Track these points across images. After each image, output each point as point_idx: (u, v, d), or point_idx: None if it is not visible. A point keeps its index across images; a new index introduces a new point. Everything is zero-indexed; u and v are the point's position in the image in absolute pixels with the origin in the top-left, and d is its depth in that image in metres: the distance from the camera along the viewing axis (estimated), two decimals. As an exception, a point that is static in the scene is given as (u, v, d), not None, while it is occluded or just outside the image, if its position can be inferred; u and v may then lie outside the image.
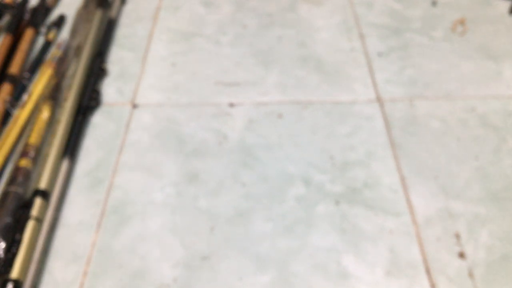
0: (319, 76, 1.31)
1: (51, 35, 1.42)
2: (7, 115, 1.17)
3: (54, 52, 1.34)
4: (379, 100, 1.24)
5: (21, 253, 0.90)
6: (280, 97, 1.25)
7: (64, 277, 0.91)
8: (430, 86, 1.27)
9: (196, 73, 1.33)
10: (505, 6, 1.52)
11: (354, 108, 1.22)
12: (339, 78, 1.30)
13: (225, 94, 1.27)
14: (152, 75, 1.33)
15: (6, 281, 0.86)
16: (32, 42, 1.39)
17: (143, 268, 0.92)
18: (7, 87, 1.21)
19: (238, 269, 0.92)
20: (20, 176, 1.01)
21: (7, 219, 0.94)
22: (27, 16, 1.46)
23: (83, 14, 1.46)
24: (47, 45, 1.39)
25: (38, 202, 0.97)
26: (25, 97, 1.20)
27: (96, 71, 1.29)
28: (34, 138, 1.10)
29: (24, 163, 1.04)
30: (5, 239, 0.91)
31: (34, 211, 0.96)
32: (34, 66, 1.31)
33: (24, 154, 1.06)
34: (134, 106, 1.24)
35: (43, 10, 1.49)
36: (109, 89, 1.29)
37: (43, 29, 1.44)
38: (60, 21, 1.47)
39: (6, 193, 0.98)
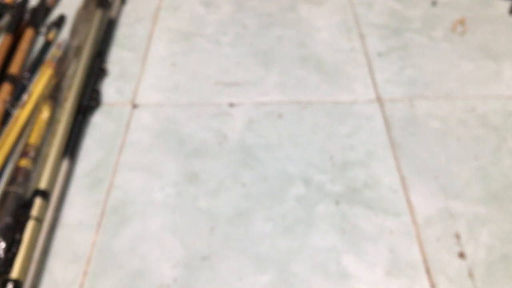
0: (319, 76, 1.31)
1: (51, 35, 1.42)
2: (7, 115, 1.17)
3: (54, 52, 1.34)
4: (379, 100, 1.24)
5: (21, 253, 0.90)
6: (280, 97, 1.25)
7: (64, 277, 0.91)
8: (430, 86, 1.27)
9: (196, 73, 1.33)
10: (505, 6, 1.52)
11: (354, 108, 1.22)
12: (339, 78, 1.30)
13: (225, 94, 1.27)
14: (152, 75, 1.33)
15: (6, 281, 0.86)
16: (32, 42, 1.39)
17: (143, 268, 0.92)
18: (7, 87, 1.21)
19: (238, 269, 0.92)
20: (20, 176, 1.01)
21: (7, 219, 0.94)
22: (27, 16, 1.46)
23: (83, 14, 1.46)
24: (47, 45, 1.39)
25: (38, 202, 0.97)
26: (25, 97, 1.20)
27: (96, 71, 1.29)
28: (34, 138, 1.10)
29: (24, 163, 1.04)
30: (5, 239, 0.91)
31: (34, 211, 0.96)
32: (34, 66, 1.31)
33: (24, 154, 1.06)
34: (134, 106, 1.24)
35: (43, 10, 1.49)
36: (109, 89, 1.29)
37: (43, 29, 1.44)
38: (60, 21, 1.47)
39: (6, 193, 0.99)
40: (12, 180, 1.01)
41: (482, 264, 0.92)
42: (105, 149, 1.14)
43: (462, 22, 1.46)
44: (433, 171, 1.08)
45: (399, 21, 1.48)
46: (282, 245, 0.95)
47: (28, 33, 1.38)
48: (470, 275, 0.91)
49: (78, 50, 1.32)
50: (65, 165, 1.07)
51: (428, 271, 0.91)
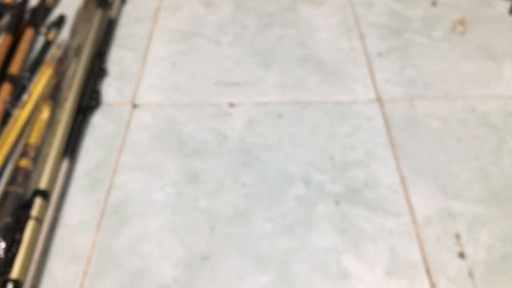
0: (319, 76, 1.31)
1: (51, 35, 1.42)
2: (7, 115, 1.17)
3: (54, 52, 1.34)
4: (379, 100, 1.24)
5: (21, 253, 0.90)
6: (280, 97, 1.25)
7: (64, 277, 0.91)
8: (430, 86, 1.27)
9: (196, 73, 1.33)
10: (505, 6, 1.52)
11: (354, 108, 1.22)
12: (339, 78, 1.30)
13: (225, 94, 1.27)
14: (152, 75, 1.33)
15: (6, 281, 0.86)
16: (32, 42, 1.39)
17: (143, 268, 0.92)
18: (7, 87, 1.21)
19: (238, 269, 0.92)
20: (20, 176, 1.01)
21: (7, 219, 0.94)
22: (27, 16, 1.46)
23: (83, 14, 1.46)
24: (47, 45, 1.39)
25: (38, 202, 0.97)
26: (25, 97, 1.20)
27: (96, 71, 1.29)
28: (34, 138, 1.10)
29: (24, 163, 1.04)
30: (5, 239, 0.91)
31: (34, 211, 0.96)
32: (34, 66, 1.31)
33: (24, 154, 1.06)
34: (134, 106, 1.24)
35: (43, 10, 1.50)
36: (109, 89, 1.29)
37: (43, 29, 1.44)
38: (60, 21, 1.47)
39: (6, 193, 0.99)
40: (12, 180, 1.01)
41: (482, 264, 0.92)
42: (105, 149, 1.14)
43: (462, 22, 1.46)
44: (433, 171, 1.08)
45: (399, 21, 1.48)
46: (282, 245, 0.95)
47: (28, 33, 1.38)
48: (470, 275, 0.91)
49: (78, 50, 1.32)
50: (65, 165, 1.07)
51: (428, 271, 0.91)
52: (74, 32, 1.41)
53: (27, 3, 1.51)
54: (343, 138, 1.15)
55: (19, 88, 1.24)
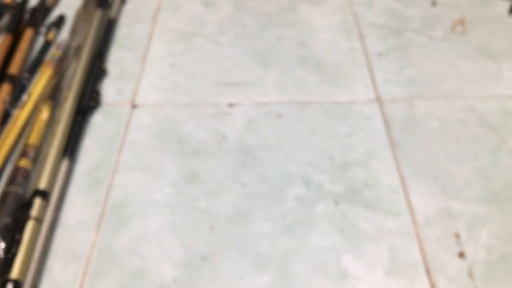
0: (318, 76, 1.31)
1: (51, 35, 1.42)
2: (7, 115, 1.17)
3: (53, 52, 1.34)
4: (378, 100, 1.24)
5: (21, 253, 0.89)
6: (279, 97, 1.25)
7: (64, 277, 0.91)
8: (430, 86, 1.27)
9: (195, 73, 1.33)
10: (505, 6, 1.52)
11: (354, 108, 1.22)
12: (339, 78, 1.30)
13: (225, 94, 1.27)
14: (152, 75, 1.33)
15: (6, 281, 0.86)
16: (32, 42, 1.39)
17: (143, 268, 0.92)
18: (6, 87, 1.21)
19: (238, 269, 0.92)
20: (19, 176, 1.01)
21: (7, 219, 0.94)
22: (27, 16, 1.46)
23: (83, 14, 1.46)
24: (47, 45, 1.39)
25: (37, 202, 0.97)
26: (24, 97, 1.20)
27: (96, 71, 1.29)
28: (33, 138, 1.10)
29: (24, 163, 1.04)
30: (5, 239, 0.91)
31: (34, 211, 0.96)
32: (34, 66, 1.31)
33: (23, 154, 1.06)
34: (134, 106, 1.24)
35: (43, 10, 1.49)
36: (108, 89, 1.29)
37: (43, 29, 1.44)
38: (60, 21, 1.47)
39: (6, 193, 0.98)
40: (11, 180, 1.01)
41: (482, 264, 0.92)
42: (105, 149, 1.14)
43: (461, 22, 1.46)
44: (432, 171, 1.08)
45: (399, 21, 1.48)
46: (282, 245, 0.95)
47: (28, 33, 1.38)
48: (470, 275, 0.91)
49: (78, 50, 1.32)
50: (64, 165, 1.07)
51: (428, 271, 0.91)
52: (73, 32, 1.41)
53: (27, 3, 1.51)
54: (342, 138, 1.15)
55: (19, 88, 1.24)
